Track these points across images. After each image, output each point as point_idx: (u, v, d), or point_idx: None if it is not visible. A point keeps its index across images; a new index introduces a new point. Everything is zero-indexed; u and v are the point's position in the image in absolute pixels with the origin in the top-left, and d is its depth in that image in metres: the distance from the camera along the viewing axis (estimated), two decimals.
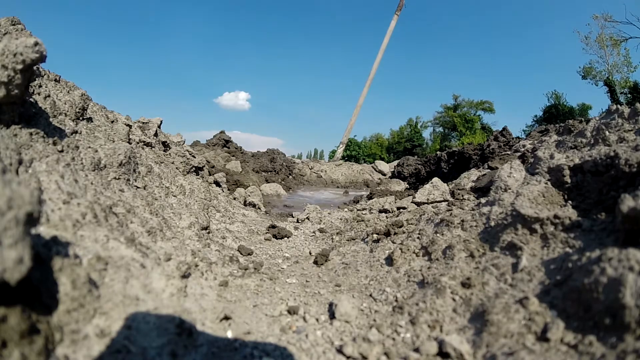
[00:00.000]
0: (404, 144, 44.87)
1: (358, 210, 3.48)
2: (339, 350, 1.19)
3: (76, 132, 2.03)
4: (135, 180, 2.15)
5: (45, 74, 2.16)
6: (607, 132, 2.05)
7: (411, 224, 2.40)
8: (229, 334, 1.16)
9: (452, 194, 2.72)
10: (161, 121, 4.71)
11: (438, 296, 1.38)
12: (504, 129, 3.88)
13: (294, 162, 9.99)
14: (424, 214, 2.44)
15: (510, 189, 2.01)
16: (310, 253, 2.41)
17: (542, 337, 1.05)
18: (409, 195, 3.28)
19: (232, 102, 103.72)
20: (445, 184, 2.90)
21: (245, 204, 4.40)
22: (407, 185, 4.76)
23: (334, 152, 25.81)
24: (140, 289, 1.07)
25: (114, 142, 2.25)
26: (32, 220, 0.74)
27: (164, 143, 4.37)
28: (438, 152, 4.27)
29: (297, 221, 3.47)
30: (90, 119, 2.41)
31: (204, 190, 2.99)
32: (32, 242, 0.75)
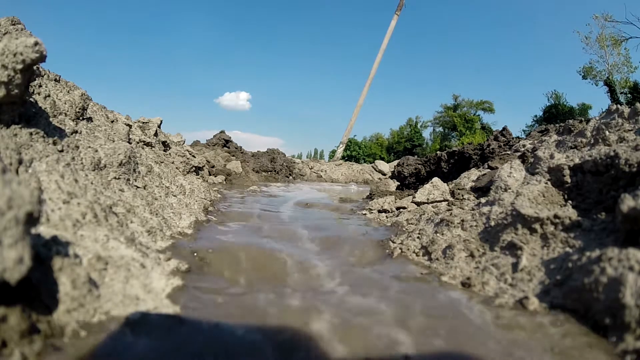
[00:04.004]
0: (404, 144, 44.89)
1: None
2: None
3: (76, 131, 2.03)
4: (135, 180, 2.15)
5: (45, 74, 2.16)
6: (607, 132, 2.05)
7: (411, 223, 2.40)
8: None
9: (452, 193, 2.72)
10: (161, 121, 4.71)
11: None
12: (504, 128, 3.87)
13: (294, 162, 9.98)
14: (424, 214, 2.44)
15: (510, 188, 2.00)
16: None
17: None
18: (408, 195, 3.27)
19: (233, 102, 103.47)
20: (445, 184, 2.90)
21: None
22: (398, 182, 4.75)
23: (334, 152, 25.80)
24: (140, 289, 1.08)
25: (114, 141, 2.25)
26: (32, 220, 0.74)
27: (164, 143, 4.37)
28: (438, 152, 4.26)
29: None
30: (90, 119, 2.41)
31: (204, 190, 2.99)
32: (32, 242, 0.75)
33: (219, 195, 3.66)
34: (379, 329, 1.01)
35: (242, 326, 0.98)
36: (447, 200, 2.66)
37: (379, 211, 3.08)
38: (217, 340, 0.90)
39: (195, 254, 1.56)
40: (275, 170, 8.04)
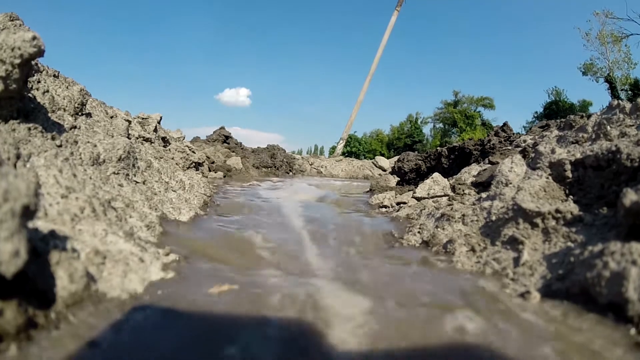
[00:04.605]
0: (404, 140, 44.88)
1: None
2: None
3: (75, 127, 2.02)
4: (135, 175, 2.14)
5: (44, 70, 2.15)
6: (608, 127, 2.03)
7: (412, 218, 2.39)
8: None
9: (453, 188, 2.71)
10: (161, 117, 4.70)
11: None
12: (505, 124, 3.86)
13: (294, 158, 9.97)
14: (424, 209, 2.43)
15: (511, 183, 2.00)
16: None
17: None
18: (409, 190, 3.27)
19: (233, 99, 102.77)
20: (446, 179, 2.89)
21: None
22: (399, 178, 4.75)
23: (334, 148, 25.80)
24: (139, 283, 1.07)
25: (113, 137, 2.24)
26: (28, 212, 0.73)
27: (163, 139, 4.36)
28: (438, 148, 4.25)
29: None
30: (89, 114, 2.40)
31: (203, 186, 2.98)
32: (28, 236, 0.74)
33: (218, 191, 3.65)
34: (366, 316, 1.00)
35: (239, 316, 0.97)
36: (447, 195, 2.65)
37: (380, 206, 3.07)
38: (214, 331, 0.90)
39: (194, 249, 1.56)
40: (275, 166, 8.03)
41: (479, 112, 42.99)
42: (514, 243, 1.49)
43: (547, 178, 1.82)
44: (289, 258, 1.59)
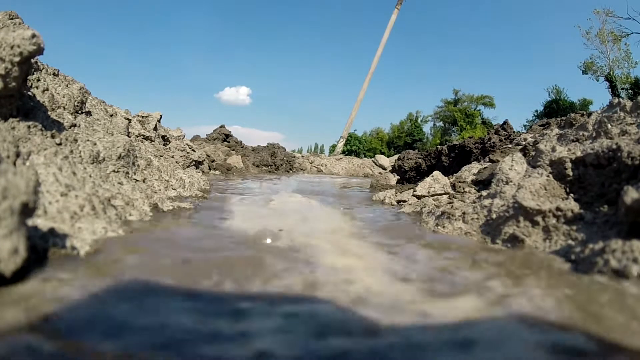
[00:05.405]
0: (404, 139, 44.87)
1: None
2: None
3: (75, 125, 2.02)
4: (135, 173, 2.14)
5: (43, 68, 2.15)
6: (609, 125, 2.03)
7: (412, 216, 2.39)
8: None
9: (453, 186, 2.71)
10: (161, 115, 4.70)
11: None
12: (505, 122, 3.86)
13: (295, 157, 9.98)
14: (424, 207, 2.43)
15: (511, 181, 1.99)
16: None
17: None
18: (409, 188, 3.26)
19: (233, 97, 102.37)
20: (446, 178, 2.89)
21: None
22: (399, 177, 4.74)
23: (334, 146, 25.80)
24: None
25: (113, 135, 2.23)
26: (27, 210, 0.73)
27: (163, 137, 4.36)
28: (439, 146, 4.24)
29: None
30: (89, 113, 2.39)
31: (203, 183, 2.98)
32: (28, 233, 0.74)
33: (218, 188, 3.65)
34: None
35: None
36: (448, 194, 2.65)
37: (381, 204, 3.07)
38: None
39: (192, 245, 1.56)
40: (275, 165, 8.03)
41: (479, 110, 43.00)
42: (514, 241, 1.49)
43: (548, 176, 1.82)
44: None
